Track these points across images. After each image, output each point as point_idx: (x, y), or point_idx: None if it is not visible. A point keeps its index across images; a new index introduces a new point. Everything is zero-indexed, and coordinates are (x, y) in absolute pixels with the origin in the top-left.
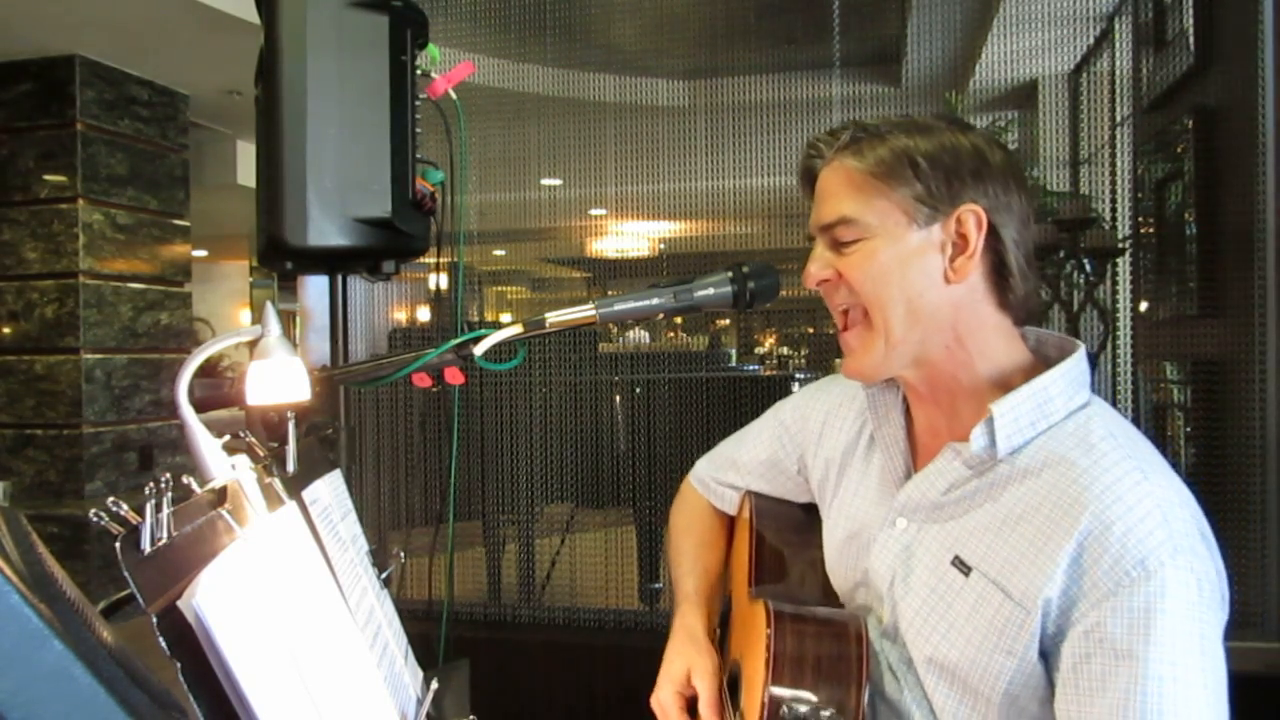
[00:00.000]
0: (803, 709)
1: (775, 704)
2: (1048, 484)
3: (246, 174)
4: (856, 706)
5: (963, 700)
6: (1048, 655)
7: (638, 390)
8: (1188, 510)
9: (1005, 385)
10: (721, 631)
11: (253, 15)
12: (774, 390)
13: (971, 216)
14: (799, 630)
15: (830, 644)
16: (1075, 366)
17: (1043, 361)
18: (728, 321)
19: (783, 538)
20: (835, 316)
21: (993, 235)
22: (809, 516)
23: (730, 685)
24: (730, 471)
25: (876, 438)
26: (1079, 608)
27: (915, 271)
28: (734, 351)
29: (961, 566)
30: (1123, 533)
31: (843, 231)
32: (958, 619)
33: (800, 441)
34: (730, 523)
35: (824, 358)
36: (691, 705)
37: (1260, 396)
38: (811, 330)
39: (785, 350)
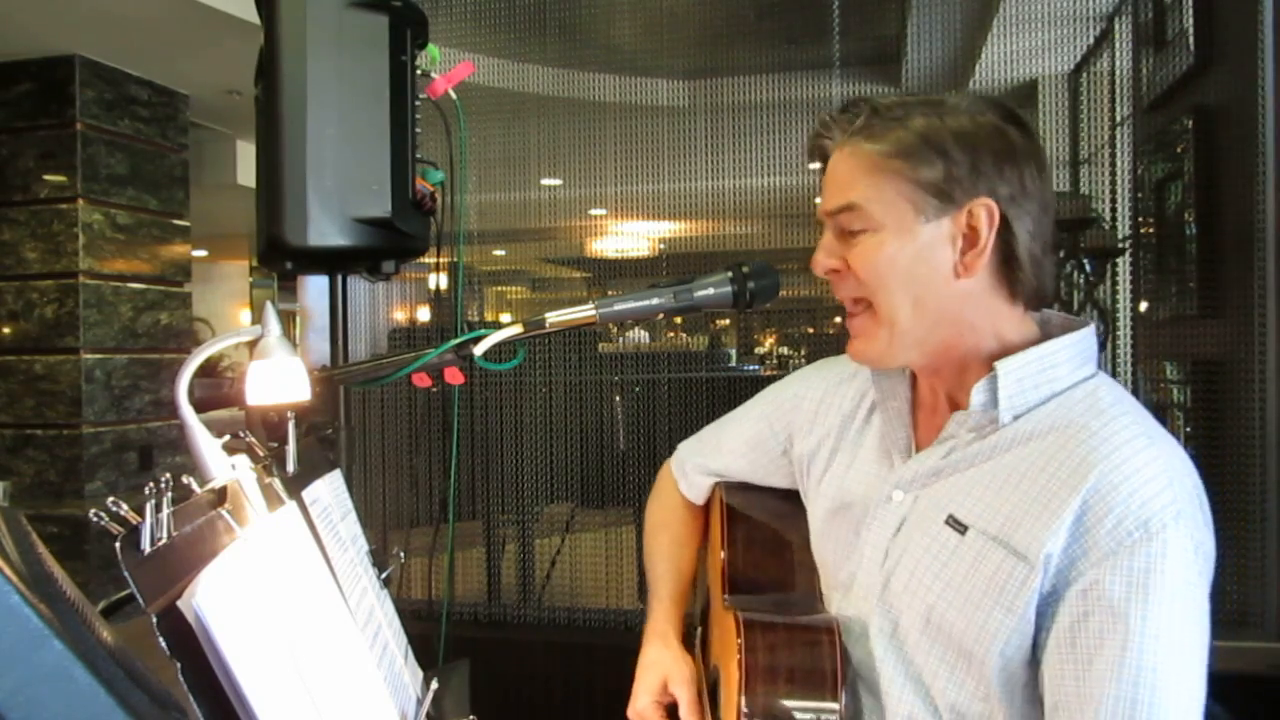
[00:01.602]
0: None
1: (750, 715)
2: (1054, 444)
3: (246, 174)
4: (836, 711)
5: (955, 668)
6: (1042, 615)
7: (638, 390)
8: (1191, 480)
9: (1012, 352)
10: (703, 629)
11: (253, 15)
12: None
13: (983, 210)
14: (770, 640)
15: (804, 652)
16: (1083, 339)
17: (1049, 338)
18: (728, 321)
19: (759, 528)
20: (849, 315)
21: (1005, 228)
22: (785, 502)
23: (711, 689)
24: (713, 453)
25: (880, 410)
26: (1078, 566)
27: (923, 266)
28: (734, 351)
29: (956, 525)
30: (1128, 493)
31: (849, 219)
32: (954, 577)
33: (791, 420)
34: (705, 514)
35: (824, 358)
36: (672, 711)
37: (1260, 396)
38: (811, 330)
39: (785, 350)
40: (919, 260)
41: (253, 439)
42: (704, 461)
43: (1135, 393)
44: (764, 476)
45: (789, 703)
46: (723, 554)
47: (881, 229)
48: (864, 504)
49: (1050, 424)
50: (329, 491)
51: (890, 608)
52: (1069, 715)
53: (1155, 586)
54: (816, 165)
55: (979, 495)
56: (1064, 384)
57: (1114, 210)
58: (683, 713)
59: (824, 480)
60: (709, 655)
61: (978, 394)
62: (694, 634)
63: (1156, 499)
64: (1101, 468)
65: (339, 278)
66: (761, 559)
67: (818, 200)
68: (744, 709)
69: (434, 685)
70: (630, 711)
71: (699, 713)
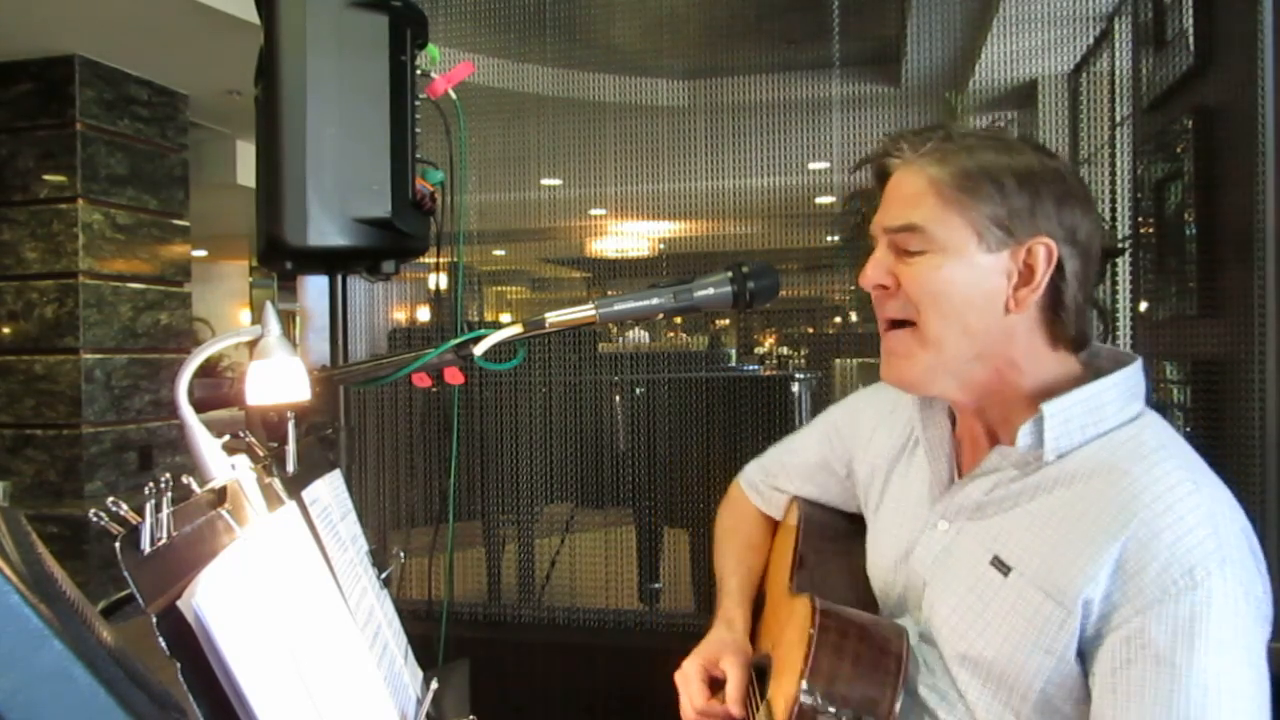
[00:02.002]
0: (832, 707)
1: (806, 696)
2: (1097, 489)
3: (246, 174)
4: (888, 713)
5: (996, 694)
6: (1084, 656)
7: (638, 390)
8: (1238, 525)
9: (1055, 392)
10: (751, 626)
11: (253, 15)
12: (774, 390)
13: (1043, 249)
14: (842, 628)
15: (870, 647)
16: (1132, 376)
17: (1094, 374)
18: (728, 321)
19: (827, 544)
20: (880, 323)
21: (1058, 270)
22: (853, 525)
23: (757, 675)
24: (780, 475)
25: (922, 440)
26: (1121, 612)
27: (977, 296)
28: (734, 351)
29: (1001, 566)
30: (1172, 541)
31: (908, 239)
32: (994, 617)
33: (850, 444)
34: (774, 528)
35: (824, 358)
36: (713, 685)
37: (1260, 396)
38: (811, 330)
39: (785, 350)
40: (974, 289)
41: (253, 439)
42: (775, 482)
43: None
44: (831, 499)
45: (846, 691)
46: (792, 559)
47: (942, 252)
48: (912, 535)
49: (1094, 466)
50: (329, 491)
51: (933, 636)
52: None
53: (1201, 634)
54: (862, 176)
55: (1020, 537)
56: (1110, 424)
57: (1114, 210)
58: (729, 687)
59: (880, 510)
60: (757, 645)
61: (1024, 436)
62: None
63: (1201, 546)
64: (1143, 515)
65: (339, 278)
66: (830, 571)
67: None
68: (805, 685)
69: (434, 685)
70: (677, 673)
71: (744, 690)
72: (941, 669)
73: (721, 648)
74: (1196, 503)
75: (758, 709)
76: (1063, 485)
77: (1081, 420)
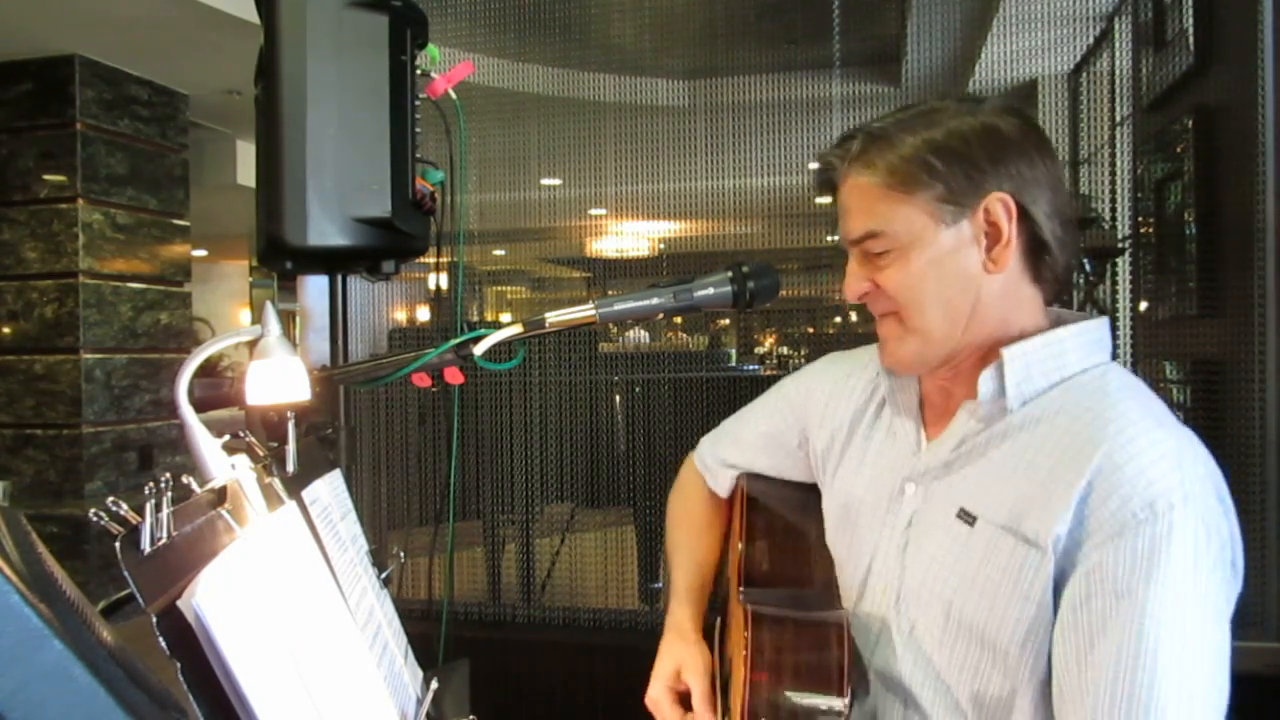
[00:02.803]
0: (781, 716)
1: (753, 709)
2: (1060, 427)
3: (246, 174)
4: (839, 712)
5: (981, 661)
6: (1058, 599)
7: (638, 390)
8: (1204, 466)
9: (1021, 338)
10: (722, 620)
11: (253, 15)
12: None
13: (999, 205)
14: (777, 635)
15: (811, 648)
16: (1096, 329)
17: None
18: (728, 321)
19: (779, 520)
20: (877, 321)
21: (1024, 216)
22: (807, 495)
23: (725, 680)
24: (731, 447)
25: (890, 404)
26: (1083, 548)
27: (953, 271)
28: (734, 351)
29: (966, 517)
30: (1134, 473)
31: (872, 244)
32: (969, 570)
33: (803, 415)
34: (727, 507)
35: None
36: (685, 700)
37: (1260, 396)
38: (811, 330)
39: (785, 350)
40: (947, 269)
41: (253, 439)
42: (724, 455)
43: None
44: (784, 471)
45: (793, 698)
46: (740, 547)
47: (907, 246)
48: (876, 499)
49: (1058, 408)
50: (329, 491)
51: (908, 606)
52: (1072, 698)
53: (1159, 568)
54: (826, 199)
55: (987, 485)
56: (1073, 369)
57: (1114, 210)
58: (695, 702)
59: (837, 476)
60: (725, 647)
61: (985, 382)
62: (714, 626)
63: (1163, 479)
64: (1106, 447)
65: (339, 278)
66: (781, 553)
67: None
68: (747, 702)
69: (434, 685)
70: (646, 699)
71: (710, 702)
72: (914, 654)
73: (676, 660)
74: (1161, 437)
75: (726, 715)
76: (1027, 430)
77: (1043, 365)
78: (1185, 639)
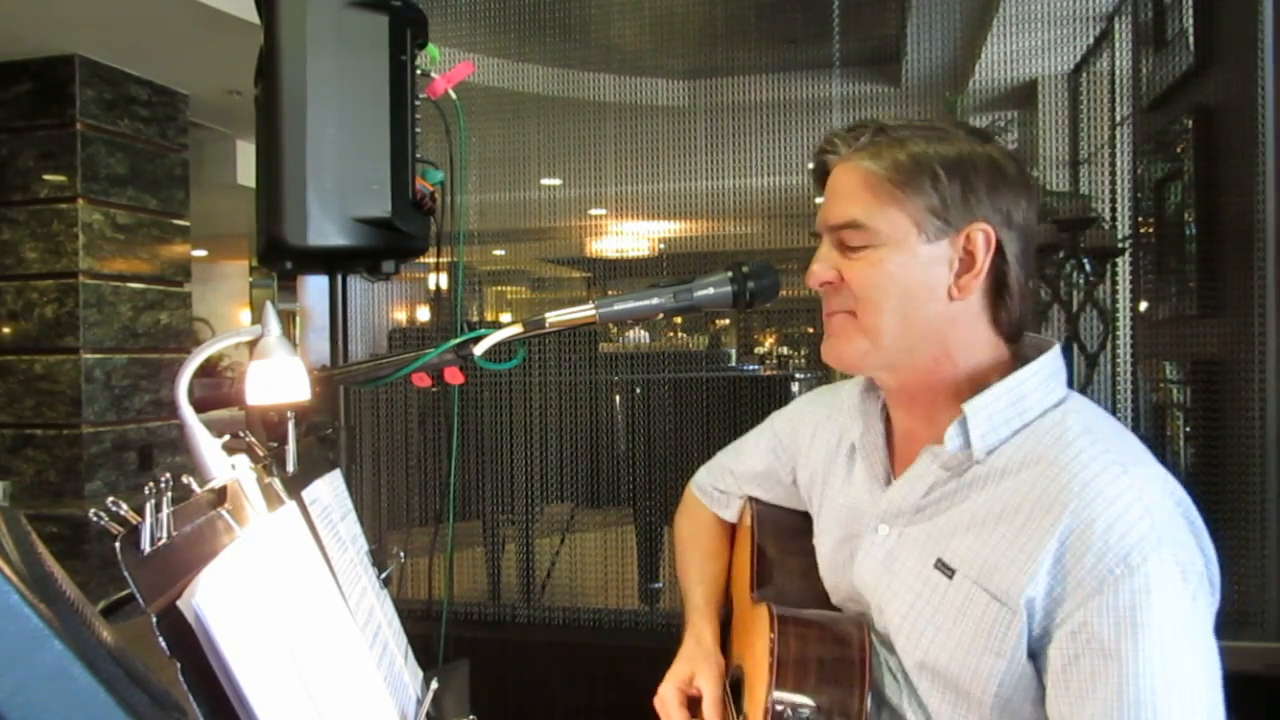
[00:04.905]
0: (805, 713)
1: (778, 707)
2: (1026, 483)
3: (246, 174)
4: (859, 710)
5: (956, 705)
6: (1036, 656)
7: (638, 390)
8: (1171, 500)
9: (981, 383)
10: (722, 635)
11: (253, 15)
12: (774, 390)
13: (981, 235)
14: (802, 633)
15: (833, 647)
16: (1050, 363)
17: (1021, 363)
18: (728, 321)
19: (782, 544)
20: (826, 314)
21: (999, 254)
22: (807, 523)
23: (733, 688)
24: (729, 480)
25: (858, 445)
26: (1064, 607)
27: (919, 285)
28: (734, 351)
29: (945, 569)
30: (1104, 529)
31: (850, 235)
32: (944, 622)
33: (792, 451)
34: (732, 530)
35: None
36: (692, 704)
37: (1260, 396)
38: (811, 330)
39: (785, 350)
40: (915, 280)
41: (253, 439)
42: (723, 488)
43: (1135, 393)
44: (782, 501)
45: (816, 695)
46: (751, 562)
47: (884, 246)
48: (853, 538)
49: (1022, 459)
50: (329, 491)
51: (886, 641)
52: None
53: (1144, 622)
54: (815, 177)
55: (961, 537)
56: (1034, 413)
57: (1114, 210)
58: (705, 704)
59: (821, 514)
60: (730, 656)
61: (951, 439)
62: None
63: (1133, 530)
64: (1074, 505)
65: (339, 278)
66: (787, 565)
67: (819, 200)
68: (774, 697)
69: (434, 685)
70: (655, 697)
71: (722, 708)
72: (903, 676)
73: (692, 665)
74: (1126, 484)
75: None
76: (994, 482)
77: (1005, 414)
78: (1179, 682)
